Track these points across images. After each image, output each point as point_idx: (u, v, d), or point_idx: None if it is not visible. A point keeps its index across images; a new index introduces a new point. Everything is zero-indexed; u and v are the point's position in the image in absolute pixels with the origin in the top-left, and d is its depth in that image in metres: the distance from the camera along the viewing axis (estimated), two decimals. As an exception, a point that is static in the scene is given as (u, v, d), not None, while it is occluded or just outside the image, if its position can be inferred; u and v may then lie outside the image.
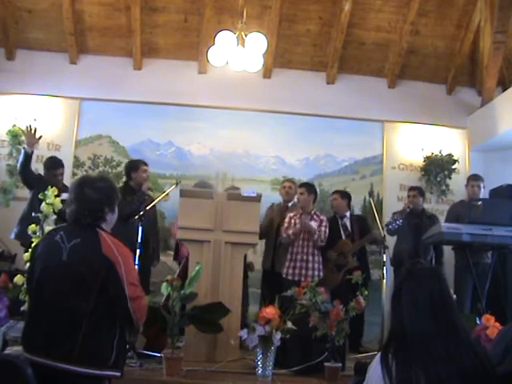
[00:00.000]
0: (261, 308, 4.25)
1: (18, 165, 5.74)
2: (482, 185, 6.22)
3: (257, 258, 6.31)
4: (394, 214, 6.19)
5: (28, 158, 5.53)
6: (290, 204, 6.29)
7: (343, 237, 6.10)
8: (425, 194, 6.54)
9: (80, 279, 2.47)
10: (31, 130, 5.57)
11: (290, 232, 5.66)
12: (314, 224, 5.67)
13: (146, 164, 5.87)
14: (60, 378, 2.41)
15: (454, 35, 7.48)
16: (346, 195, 6.40)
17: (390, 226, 5.84)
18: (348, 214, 6.31)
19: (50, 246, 2.61)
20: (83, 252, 2.52)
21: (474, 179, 6.31)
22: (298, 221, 5.72)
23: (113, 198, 2.74)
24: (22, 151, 5.62)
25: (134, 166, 5.84)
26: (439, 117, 7.70)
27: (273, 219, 6.18)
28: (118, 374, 2.56)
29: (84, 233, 2.58)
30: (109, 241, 2.55)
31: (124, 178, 6.02)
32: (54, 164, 5.93)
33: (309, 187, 5.94)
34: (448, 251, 6.28)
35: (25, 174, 5.64)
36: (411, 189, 6.53)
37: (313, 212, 5.83)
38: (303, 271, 5.57)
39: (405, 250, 6.01)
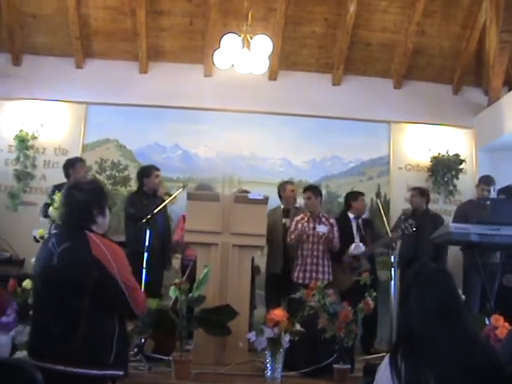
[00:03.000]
0: (267, 311, 4.24)
1: None
2: (493, 188, 6.22)
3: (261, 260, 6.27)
4: (405, 216, 6.08)
5: None
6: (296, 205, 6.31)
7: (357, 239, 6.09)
8: (426, 194, 6.48)
9: (71, 282, 2.49)
10: None
11: (293, 236, 5.67)
12: (324, 228, 5.65)
13: (157, 169, 5.96)
14: (61, 381, 2.39)
15: (459, 35, 7.45)
16: None
17: (408, 232, 5.70)
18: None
19: (44, 252, 2.64)
20: (73, 255, 2.53)
21: (486, 183, 6.28)
22: (305, 225, 5.70)
23: (101, 199, 2.74)
24: None
25: (147, 172, 5.93)
26: (446, 117, 7.67)
27: (276, 223, 6.12)
28: (120, 373, 2.54)
29: (74, 236, 2.59)
30: (98, 241, 2.55)
31: (134, 183, 6.06)
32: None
33: (314, 190, 5.90)
34: (456, 251, 6.25)
35: None
36: (411, 189, 6.61)
37: (321, 214, 5.81)
38: (314, 274, 5.54)
39: (410, 251, 5.98)
